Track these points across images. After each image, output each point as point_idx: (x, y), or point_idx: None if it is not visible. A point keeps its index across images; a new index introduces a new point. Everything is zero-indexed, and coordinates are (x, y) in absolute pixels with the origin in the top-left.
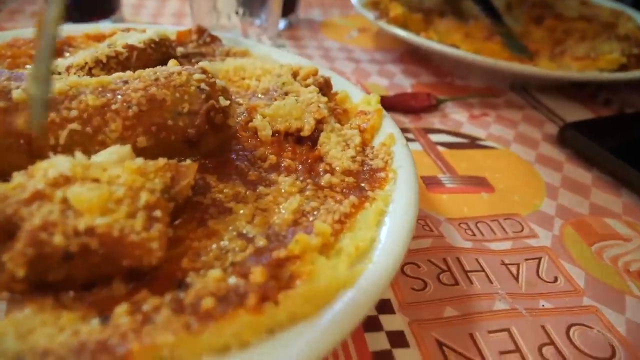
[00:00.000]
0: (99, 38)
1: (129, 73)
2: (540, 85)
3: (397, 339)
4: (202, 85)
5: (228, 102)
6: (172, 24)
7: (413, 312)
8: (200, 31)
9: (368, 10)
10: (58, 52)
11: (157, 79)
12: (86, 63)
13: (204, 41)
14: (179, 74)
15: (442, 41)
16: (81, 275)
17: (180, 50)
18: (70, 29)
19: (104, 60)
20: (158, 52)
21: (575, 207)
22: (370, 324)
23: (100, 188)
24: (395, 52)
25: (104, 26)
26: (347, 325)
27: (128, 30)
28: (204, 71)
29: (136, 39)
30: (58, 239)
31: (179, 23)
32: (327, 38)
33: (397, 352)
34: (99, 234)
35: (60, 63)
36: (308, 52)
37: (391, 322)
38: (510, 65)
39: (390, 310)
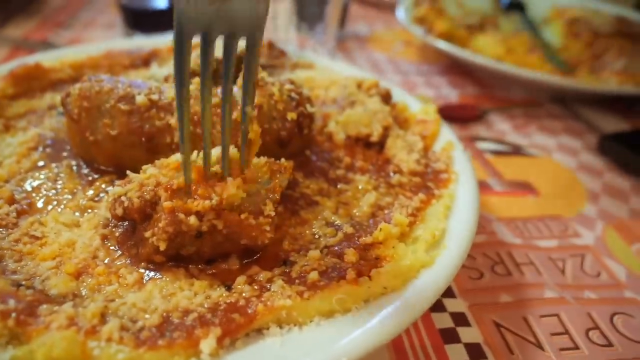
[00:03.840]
0: None
1: None
2: (579, 98)
3: (460, 319)
4: (293, 95)
5: (314, 109)
6: None
7: (472, 297)
8: (271, 45)
9: (414, 25)
10: (145, 62)
11: None
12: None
13: (275, 54)
14: (273, 84)
15: (486, 55)
16: (207, 251)
17: None
18: (155, 42)
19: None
20: (241, 62)
21: (616, 211)
22: (435, 306)
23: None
24: (439, 64)
25: None
26: (430, 296)
27: None
28: (292, 82)
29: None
30: (193, 220)
31: None
32: (374, 51)
33: (460, 330)
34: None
35: (158, 72)
36: (358, 64)
37: (453, 305)
38: (554, 78)
39: (452, 295)
